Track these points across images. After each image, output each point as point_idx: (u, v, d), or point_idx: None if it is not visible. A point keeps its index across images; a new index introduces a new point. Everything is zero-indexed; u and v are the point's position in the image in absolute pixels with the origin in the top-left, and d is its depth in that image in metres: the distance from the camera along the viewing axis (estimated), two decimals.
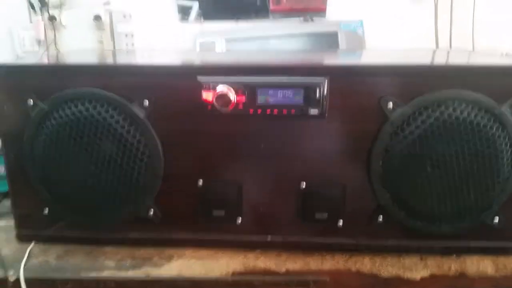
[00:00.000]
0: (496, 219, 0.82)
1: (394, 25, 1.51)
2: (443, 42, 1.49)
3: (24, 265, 0.85)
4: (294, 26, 1.55)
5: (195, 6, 1.58)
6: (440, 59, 0.99)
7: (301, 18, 1.55)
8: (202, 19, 1.56)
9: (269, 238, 0.88)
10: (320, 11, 1.57)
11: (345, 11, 1.53)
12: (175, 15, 1.55)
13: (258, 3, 1.56)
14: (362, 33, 1.51)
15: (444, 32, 1.48)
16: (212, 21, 1.56)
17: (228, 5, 1.58)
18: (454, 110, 0.75)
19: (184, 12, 1.57)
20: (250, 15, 1.57)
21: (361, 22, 1.51)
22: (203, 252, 0.88)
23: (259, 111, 0.80)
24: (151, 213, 0.88)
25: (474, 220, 0.82)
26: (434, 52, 1.18)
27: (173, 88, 0.81)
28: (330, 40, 1.51)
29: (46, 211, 0.90)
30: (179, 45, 1.54)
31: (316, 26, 1.54)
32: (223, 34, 1.53)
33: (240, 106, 0.80)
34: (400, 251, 0.86)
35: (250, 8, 1.56)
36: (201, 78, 0.80)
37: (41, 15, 1.55)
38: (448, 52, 1.17)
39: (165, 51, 1.33)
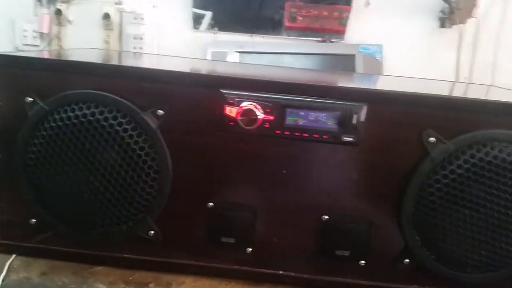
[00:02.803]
0: None
1: (415, 53, 1.47)
2: (463, 74, 1.44)
3: (3, 281, 0.76)
4: (311, 45, 1.49)
5: (208, 15, 1.52)
6: (481, 95, 0.94)
7: (319, 39, 1.49)
8: (216, 30, 1.49)
9: (280, 272, 0.80)
10: (337, 32, 1.52)
11: (364, 35, 1.48)
12: (189, 22, 1.49)
13: (276, 18, 1.50)
14: (381, 58, 1.46)
15: (465, 65, 1.44)
16: (226, 33, 1.50)
17: (244, 17, 1.52)
18: (500, 151, 0.69)
19: (196, 20, 1.51)
20: (267, 30, 1.51)
21: (381, 47, 1.46)
22: (205, 282, 0.80)
23: (287, 132, 0.73)
24: (152, 233, 0.79)
25: (510, 271, 0.75)
26: (467, 86, 1.14)
27: (191, 99, 0.74)
28: (346, 62, 1.46)
29: (34, 221, 0.81)
30: (189, 52, 1.47)
31: (334, 47, 1.49)
32: (236, 46, 1.47)
33: (266, 125, 0.72)
34: None
35: (267, 22, 1.51)
36: (226, 92, 0.72)
37: (47, 8, 1.47)
38: (489, 88, 1.12)
39: (180, 58, 1.26)
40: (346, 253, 0.77)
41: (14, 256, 0.82)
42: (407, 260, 0.77)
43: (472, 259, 0.74)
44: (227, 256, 0.80)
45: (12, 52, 0.82)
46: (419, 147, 0.71)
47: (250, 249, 0.79)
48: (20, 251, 0.83)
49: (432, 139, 0.71)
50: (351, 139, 0.72)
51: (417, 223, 0.74)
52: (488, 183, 0.69)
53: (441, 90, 0.97)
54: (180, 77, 0.76)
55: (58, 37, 1.49)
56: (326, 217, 0.76)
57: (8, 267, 0.79)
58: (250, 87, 0.73)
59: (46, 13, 1.47)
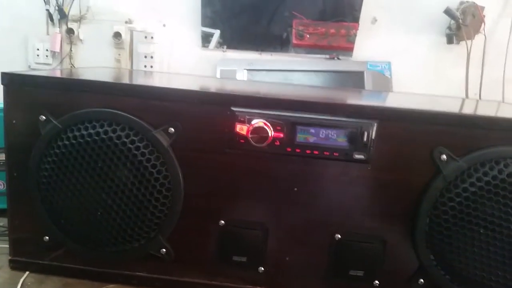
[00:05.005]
0: None
1: (424, 69, 1.46)
2: (472, 90, 1.43)
3: None
4: (319, 62, 1.50)
5: (217, 34, 1.54)
6: (492, 111, 0.93)
7: (327, 56, 1.50)
8: (225, 48, 1.51)
9: None
10: (345, 50, 1.52)
11: (372, 52, 1.48)
12: (198, 41, 1.50)
13: (284, 36, 1.51)
14: (390, 75, 1.46)
15: (473, 81, 1.43)
16: (235, 51, 1.51)
17: (252, 36, 1.53)
18: None
19: (205, 39, 1.52)
20: (275, 48, 1.52)
21: (389, 64, 1.46)
22: None
23: (298, 150, 0.73)
24: (163, 251, 0.79)
25: None
26: (477, 102, 1.13)
27: (203, 117, 0.75)
28: (355, 79, 1.46)
29: (47, 238, 0.81)
30: (199, 70, 1.48)
31: (342, 64, 1.49)
32: (245, 63, 1.48)
33: (277, 143, 0.73)
34: None
35: (275, 40, 1.52)
36: (236, 109, 0.73)
37: (59, 27, 1.49)
38: (499, 104, 1.12)
39: (190, 76, 1.27)
40: (360, 273, 0.76)
41: (27, 273, 0.83)
42: (422, 280, 0.76)
43: (489, 279, 0.73)
44: (239, 275, 0.80)
45: (25, 71, 0.83)
46: (430, 164, 0.71)
47: (262, 268, 0.79)
48: (34, 268, 0.83)
49: (443, 156, 0.70)
50: (362, 156, 0.72)
51: (431, 242, 0.73)
52: (503, 201, 0.69)
53: (451, 107, 0.97)
54: (191, 95, 0.76)
55: (70, 56, 1.51)
56: (339, 236, 0.76)
57: (22, 284, 0.80)
58: (260, 105, 0.73)
59: (58, 32, 1.49)
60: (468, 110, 0.97)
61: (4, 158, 0.90)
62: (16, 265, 0.83)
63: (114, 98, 0.75)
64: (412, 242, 0.74)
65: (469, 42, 1.41)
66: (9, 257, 0.84)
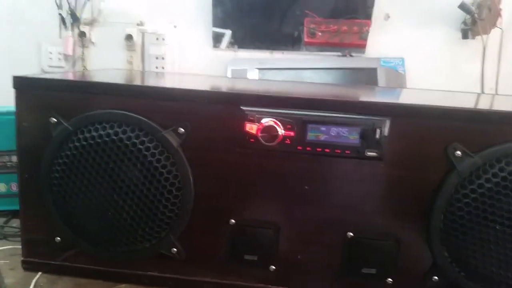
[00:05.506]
0: None
1: (438, 65, 1.44)
2: (488, 85, 1.40)
3: None
4: (331, 59, 1.48)
5: (228, 34, 1.54)
6: (508, 106, 0.91)
7: (339, 53, 1.48)
8: (236, 48, 1.51)
9: None
10: (357, 47, 1.51)
11: (385, 48, 1.46)
12: (209, 41, 1.50)
13: (296, 34, 1.50)
14: (403, 71, 1.44)
15: (489, 76, 1.40)
16: (246, 50, 1.51)
17: (264, 35, 1.53)
18: None
19: (216, 39, 1.52)
20: (287, 46, 1.51)
21: (403, 60, 1.44)
22: None
23: (308, 148, 0.72)
24: (174, 251, 0.79)
25: None
26: (493, 97, 1.11)
27: (212, 117, 0.75)
28: (368, 76, 1.44)
29: (58, 239, 0.82)
30: (210, 70, 1.48)
31: (355, 61, 1.47)
32: (256, 62, 1.48)
33: (287, 142, 0.72)
34: None
35: (286, 39, 1.51)
36: (246, 108, 0.72)
37: (72, 30, 1.51)
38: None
39: (200, 76, 1.27)
40: (373, 271, 0.75)
41: (40, 273, 0.83)
42: (436, 278, 0.74)
43: (504, 277, 0.71)
44: (251, 274, 0.79)
45: (37, 74, 0.84)
46: (445, 161, 0.70)
47: (274, 267, 0.78)
48: (46, 269, 0.84)
49: (458, 153, 0.69)
50: (374, 154, 0.70)
51: (445, 239, 0.72)
52: None
53: (466, 102, 0.95)
54: (200, 95, 0.76)
55: (82, 59, 1.53)
56: (351, 234, 0.75)
57: (34, 285, 0.80)
58: (270, 104, 0.73)
59: (70, 36, 1.51)
60: (483, 105, 0.95)
61: (16, 160, 0.92)
62: (29, 266, 0.84)
63: (123, 99, 0.75)
64: (426, 239, 0.73)
65: (485, 36, 1.38)
66: (22, 258, 0.84)
